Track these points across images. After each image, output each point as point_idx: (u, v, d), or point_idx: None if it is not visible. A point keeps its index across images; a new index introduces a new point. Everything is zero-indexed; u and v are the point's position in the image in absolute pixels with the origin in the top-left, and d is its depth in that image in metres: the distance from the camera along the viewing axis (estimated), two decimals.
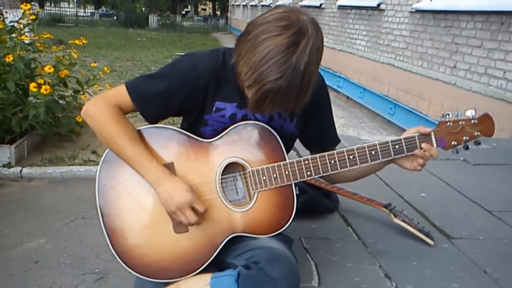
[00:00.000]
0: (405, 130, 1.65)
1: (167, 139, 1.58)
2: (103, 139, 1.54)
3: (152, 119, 1.59)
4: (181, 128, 1.66)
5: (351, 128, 8.11)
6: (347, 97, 10.41)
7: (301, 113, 1.60)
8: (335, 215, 2.42)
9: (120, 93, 1.55)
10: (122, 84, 1.58)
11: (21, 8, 4.29)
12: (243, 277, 1.43)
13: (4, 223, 2.44)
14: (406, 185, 2.84)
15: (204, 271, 1.55)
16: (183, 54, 1.63)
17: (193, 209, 1.48)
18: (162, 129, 1.59)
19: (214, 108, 1.59)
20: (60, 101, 4.17)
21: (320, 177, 1.67)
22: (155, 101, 1.55)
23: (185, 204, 1.47)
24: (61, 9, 33.91)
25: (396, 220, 2.20)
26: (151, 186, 1.51)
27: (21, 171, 3.23)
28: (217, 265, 1.57)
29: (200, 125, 1.62)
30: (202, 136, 1.60)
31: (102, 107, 1.53)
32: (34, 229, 2.36)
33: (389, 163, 1.67)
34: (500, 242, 2.25)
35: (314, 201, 2.32)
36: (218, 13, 47.80)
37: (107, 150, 1.58)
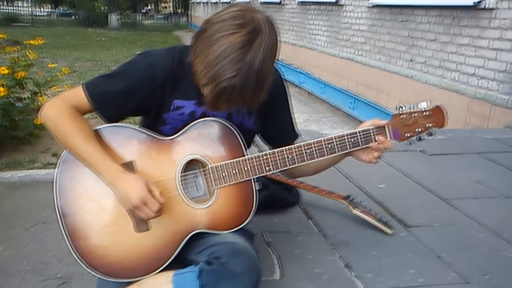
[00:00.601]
0: None
1: (127, 137, 1.59)
2: (59, 139, 1.54)
3: (111, 119, 1.59)
4: (141, 127, 1.67)
5: (313, 123, 8.22)
6: (309, 92, 10.53)
7: (260, 109, 1.63)
8: (296, 208, 2.47)
9: (78, 94, 1.55)
10: (80, 85, 1.57)
11: None
12: (205, 272, 1.46)
13: None
14: (366, 177, 2.91)
15: (166, 268, 1.56)
16: (139, 53, 1.63)
17: (149, 208, 1.47)
18: (121, 128, 1.59)
19: (173, 107, 1.60)
20: (17, 104, 4.07)
21: (280, 171, 1.71)
22: (113, 101, 1.55)
23: (140, 202, 1.46)
24: (15, 8, 32.92)
25: (355, 211, 2.26)
26: (108, 185, 1.51)
27: None
28: (179, 262, 1.58)
29: (159, 123, 1.63)
30: (161, 135, 1.61)
31: (58, 108, 1.52)
32: None
33: (346, 156, 1.72)
34: (454, 228, 2.35)
35: (276, 196, 2.36)
36: (179, 11, 47.39)
37: (64, 151, 1.57)
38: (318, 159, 1.64)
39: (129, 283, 1.55)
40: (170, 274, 1.52)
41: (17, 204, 2.70)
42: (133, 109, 1.60)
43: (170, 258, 1.56)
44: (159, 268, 1.55)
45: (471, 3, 5.15)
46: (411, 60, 6.55)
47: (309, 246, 2.09)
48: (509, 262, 2.06)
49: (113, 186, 1.50)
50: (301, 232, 2.22)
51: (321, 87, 9.74)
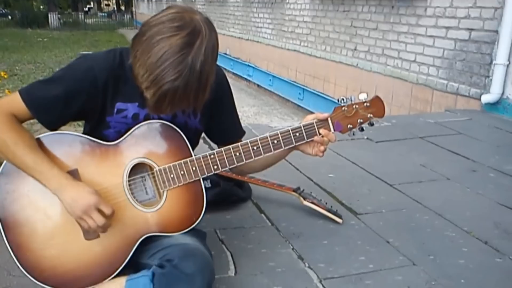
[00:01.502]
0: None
1: (69, 145, 1.55)
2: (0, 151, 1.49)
3: (51, 126, 1.55)
4: (84, 132, 1.63)
5: (264, 115, 8.28)
6: (258, 85, 10.59)
7: (204, 108, 1.63)
8: (248, 203, 2.49)
9: (14, 101, 1.49)
10: (16, 92, 1.52)
11: None
12: (158, 276, 1.45)
13: None
14: (315, 168, 2.97)
15: (120, 274, 1.54)
16: (78, 56, 1.59)
17: (100, 212, 1.46)
18: (63, 135, 1.56)
19: (115, 110, 1.58)
20: None
21: (230, 169, 1.72)
22: (52, 106, 1.51)
23: (91, 207, 1.44)
24: None
25: (305, 203, 2.30)
26: (54, 194, 1.48)
27: None
28: (133, 267, 1.57)
29: (102, 127, 1.60)
30: (106, 139, 1.58)
31: None
32: None
33: (292, 151, 1.75)
34: (400, 213, 2.43)
35: (227, 192, 2.37)
36: (123, 8, 46.39)
37: (3, 163, 1.52)
38: (265, 155, 1.66)
39: None
40: (123, 280, 1.50)
41: None
42: (74, 113, 1.56)
43: (122, 264, 1.55)
44: (111, 274, 1.54)
45: None
46: (355, 49, 6.70)
47: (263, 240, 2.11)
48: (451, 241, 2.16)
49: (59, 194, 1.46)
50: (254, 226, 2.25)
51: (270, 80, 9.81)
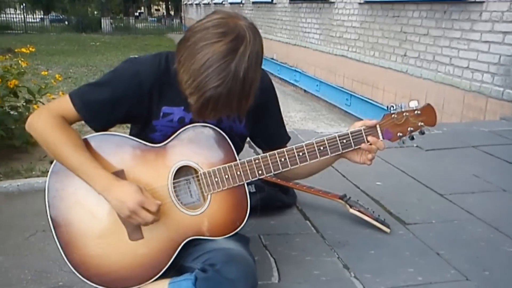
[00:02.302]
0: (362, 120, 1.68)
1: (116, 146, 1.56)
2: (48, 150, 1.52)
3: (99, 128, 1.57)
4: (130, 134, 1.65)
5: (310, 121, 8.21)
6: (305, 90, 10.53)
7: (249, 114, 1.62)
8: (293, 210, 2.45)
9: (64, 103, 1.52)
10: (66, 94, 1.55)
11: None
12: (200, 280, 1.44)
13: None
14: (362, 175, 2.90)
15: (162, 276, 1.54)
16: (125, 60, 1.61)
17: (146, 209, 1.46)
18: (110, 136, 1.57)
19: (161, 113, 1.58)
20: (12, 112, 4.05)
21: (274, 175, 1.69)
22: (100, 109, 1.53)
23: (136, 206, 1.44)
24: (7, 15, 32.79)
25: (352, 211, 2.24)
26: (100, 194, 1.49)
27: None
28: (175, 270, 1.56)
29: (149, 131, 1.61)
30: (152, 142, 1.58)
31: (45, 118, 1.50)
32: None
33: (338, 158, 1.70)
34: (451, 224, 2.33)
35: (272, 198, 2.34)
36: (172, 13, 47.35)
37: (54, 162, 1.55)
38: (310, 162, 1.62)
39: None
40: (165, 283, 1.50)
41: (16, 214, 2.68)
42: (121, 117, 1.58)
43: (165, 266, 1.55)
44: (154, 276, 1.54)
45: None
46: (404, 55, 6.55)
47: (307, 248, 2.07)
48: (508, 256, 2.04)
49: (106, 194, 1.47)
50: (299, 233, 2.21)
51: (317, 85, 9.74)
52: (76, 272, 1.52)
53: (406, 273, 1.90)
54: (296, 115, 8.54)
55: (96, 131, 1.57)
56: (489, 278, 1.87)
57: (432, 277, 1.87)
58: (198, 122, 1.59)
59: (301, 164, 1.61)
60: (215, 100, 1.33)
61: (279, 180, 2.34)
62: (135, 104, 1.54)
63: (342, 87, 8.50)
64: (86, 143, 1.54)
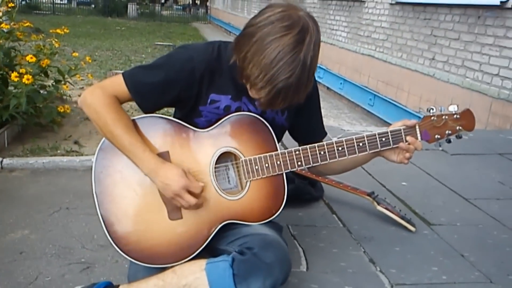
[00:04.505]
0: (384, 121, 1.73)
1: (162, 128, 1.62)
2: (98, 127, 1.58)
3: (148, 109, 1.63)
4: (174, 117, 1.70)
5: (332, 118, 8.21)
6: (328, 87, 10.51)
7: (292, 107, 1.67)
8: (320, 203, 2.50)
9: (118, 83, 1.59)
10: (119, 74, 1.61)
11: None
12: (238, 262, 1.49)
13: None
14: (388, 175, 2.93)
15: (196, 257, 1.59)
16: (179, 46, 1.67)
17: (190, 192, 1.53)
18: (157, 119, 1.63)
19: (209, 100, 1.64)
20: (41, 91, 4.14)
21: (308, 169, 1.74)
22: (151, 91, 1.59)
23: (181, 189, 1.51)
24: None
25: (379, 208, 2.29)
26: (147, 175, 1.56)
27: (1, 161, 3.15)
28: (208, 251, 1.62)
29: (194, 115, 1.67)
30: (196, 126, 1.64)
31: (99, 96, 1.56)
32: (17, 220, 2.34)
33: (375, 157, 1.74)
34: (476, 228, 2.36)
35: (301, 190, 2.39)
36: (198, 2, 47.41)
37: (103, 138, 1.62)
38: (349, 157, 1.66)
39: (160, 269, 1.59)
40: (203, 262, 1.55)
41: (41, 190, 2.77)
42: (170, 100, 1.64)
43: (200, 246, 1.60)
44: (190, 255, 1.60)
45: (497, 3, 5.10)
46: (432, 59, 6.52)
47: (334, 240, 2.12)
48: None
49: (152, 176, 1.54)
50: (326, 226, 2.26)
51: (340, 83, 9.72)
52: (115, 246, 1.58)
53: (431, 271, 1.94)
54: None
55: (145, 112, 1.63)
56: None
57: (456, 277, 1.91)
58: (242, 111, 1.65)
59: (340, 159, 1.66)
60: (286, 90, 1.39)
61: (308, 173, 2.39)
62: (185, 89, 1.60)
63: (366, 87, 8.48)
64: (134, 124, 1.60)
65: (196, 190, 1.53)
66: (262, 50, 1.38)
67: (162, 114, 1.65)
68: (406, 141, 1.66)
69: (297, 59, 1.37)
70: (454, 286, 1.86)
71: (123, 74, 1.60)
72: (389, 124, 1.77)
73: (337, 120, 8.15)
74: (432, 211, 2.51)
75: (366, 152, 1.67)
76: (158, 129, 1.62)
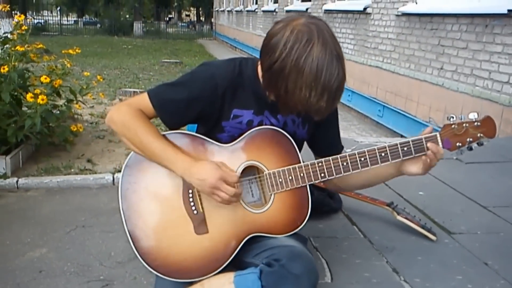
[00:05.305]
0: (394, 132, 1.73)
1: (187, 144, 1.65)
2: (128, 140, 1.61)
3: (173, 126, 1.66)
4: (197, 133, 1.73)
5: (341, 130, 8.12)
6: None
7: (311, 120, 1.70)
8: (340, 214, 2.51)
9: (142, 100, 1.63)
10: (144, 92, 1.65)
11: (13, 18, 4.29)
12: (266, 273, 1.51)
13: (4, 234, 2.42)
14: (404, 185, 2.93)
15: (222, 271, 1.61)
16: (201, 64, 1.70)
17: (228, 183, 1.55)
18: (183, 134, 1.67)
19: (232, 115, 1.67)
20: (53, 111, 4.19)
21: (327, 186, 1.74)
22: (176, 108, 1.62)
23: (217, 181, 1.53)
24: (44, 17, 33.63)
25: (399, 218, 2.29)
26: (181, 177, 1.59)
27: (17, 181, 3.19)
28: (235, 265, 1.64)
29: (217, 131, 1.69)
30: (219, 141, 1.67)
31: (126, 111, 1.61)
32: (35, 239, 2.36)
33: (396, 175, 1.74)
34: (497, 236, 2.36)
35: (320, 202, 2.40)
36: (202, 19, 47.81)
37: (129, 156, 1.65)
38: (371, 167, 1.67)
39: (187, 284, 1.61)
40: (231, 275, 1.57)
41: (57, 209, 2.79)
42: (194, 116, 1.67)
43: (228, 259, 1.62)
44: (217, 269, 1.61)
45: (505, 11, 5.12)
46: (441, 68, 6.53)
47: (356, 251, 2.13)
48: None
49: (187, 175, 1.57)
50: (347, 237, 2.27)
51: (349, 95, 9.74)
52: (143, 262, 1.60)
53: (455, 280, 1.94)
54: None
55: (169, 128, 1.66)
56: None
57: (482, 285, 1.91)
58: (265, 125, 1.68)
59: (362, 169, 1.67)
60: (341, 86, 1.45)
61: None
62: (208, 105, 1.63)
63: (375, 98, 8.49)
64: None
65: (232, 179, 1.56)
66: (301, 73, 1.41)
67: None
68: (428, 148, 1.65)
69: (334, 57, 1.41)
70: None
71: (148, 91, 1.64)
72: (399, 135, 1.77)
73: (347, 132, 8.16)
74: (452, 219, 2.52)
75: (388, 162, 1.67)
76: (183, 144, 1.65)
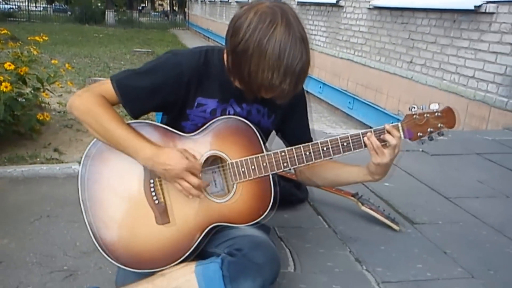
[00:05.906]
0: (364, 124, 1.75)
1: (149, 133, 1.63)
2: (90, 126, 1.57)
3: (136, 113, 1.64)
4: (161, 123, 1.71)
5: (312, 122, 8.27)
6: (307, 91, 10.58)
7: (279, 111, 1.70)
8: (306, 205, 2.53)
9: (105, 87, 1.59)
10: (107, 79, 1.62)
11: None
12: (227, 263, 1.51)
13: None
14: None
15: (184, 261, 1.60)
16: (167, 52, 1.68)
17: (192, 173, 1.54)
18: (144, 124, 1.64)
19: (196, 104, 1.65)
20: (19, 99, 4.09)
21: (299, 177, 1.75)
22: (139, 95, 1.60)
23: (183, 170, 1.52)
24: (11, 3, 32.73)
25: (364, 208, 2.32)
26: (143, 165, 1.56)
27: None
28: (197, 255, 1.63)
29: (181, 119, 1.68)
30: (182, 130, 1.65)
31: (88, 97, 1.57)
32: None
33: (367, 178, 1.76)
34: (457, 226, 2.42)
35: (286, 192, 2.41)
36: (176, 8, 47.30)
37: (89, 145, 1.62)
38: (334, 157, 1.68)
39: (151, 274, 1.60)
40: (192, 265, 1.57)
41: (21, 199, 2.71)
42: (157, 104, 1.65)
43: (189, 249, 1.61)
44: (179, 259, 1.60)
45: (471, 7, 5.23)
46: (410, 62, 6.63)
47: (320, 241, 2.15)
48: None
49: (151, 164, 1.54)
50: (312, 227, 2.28)
51: (320, 87, 9.80)
52: (103, 252, 1.58)
53: (415, 269, 1.98)
54: None
55: (132, 115, 1.64)
56: (493, 277, 1.96)
57: (440, 273, 1.95)
58: (228, 114, 1.67)
59: (325, 158, 1.68)
60: (305, 69, 1.45)
61: (293, 175, 2.42)
62: (172, 93, 1.61)
63: (346, 90, 8.58)
64: None
65: (197, 170, 1.54)
66: (263, 54, 1.41)
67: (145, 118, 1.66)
68: (389, 133, 1.65)
69: (297, 39, 1.41)
70: (438, 282, 1.90)
71: (111, 78, 1.61)
72: (369, 127, 1.78)
73: (317, 124, 8.22)
74: (415, 210, 2.56)
75: (350, 152, 1.68)
76: (145, 134, 1.62)
